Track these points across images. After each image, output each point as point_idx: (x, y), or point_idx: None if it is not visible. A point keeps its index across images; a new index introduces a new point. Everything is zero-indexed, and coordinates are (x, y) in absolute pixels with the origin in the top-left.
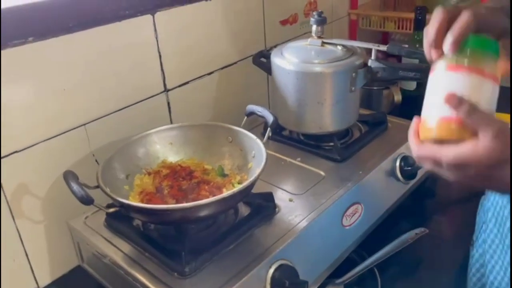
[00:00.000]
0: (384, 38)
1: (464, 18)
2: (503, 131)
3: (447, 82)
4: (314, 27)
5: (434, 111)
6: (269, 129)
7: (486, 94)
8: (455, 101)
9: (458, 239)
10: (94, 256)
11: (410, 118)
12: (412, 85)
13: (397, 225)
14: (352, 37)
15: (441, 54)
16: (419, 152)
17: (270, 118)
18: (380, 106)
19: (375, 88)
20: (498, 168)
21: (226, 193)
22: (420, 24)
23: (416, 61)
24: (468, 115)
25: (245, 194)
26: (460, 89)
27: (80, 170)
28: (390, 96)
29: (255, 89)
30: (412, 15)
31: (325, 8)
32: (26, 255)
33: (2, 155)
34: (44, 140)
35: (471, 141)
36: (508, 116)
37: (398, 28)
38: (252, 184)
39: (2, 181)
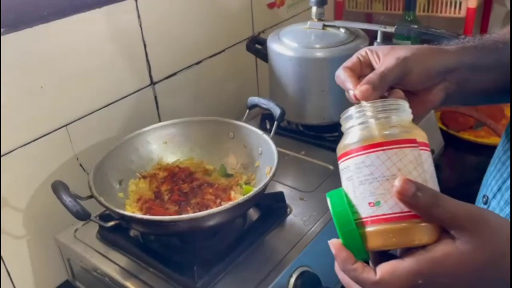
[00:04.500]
0: (368, 20)
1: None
2: (486, 221)
3: (374, 167)
4: (314, 9)
5: (371, 209)
6: (276, 123)
7: (431, 168)
8: (411, 191)
9: None
10: (87, 273)
11: None
12: None
13: None
14: (338, 19)
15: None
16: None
17: (277, 111)
18: None
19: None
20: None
21: (241, 198)
22: (410, 3)
23: (408, 42)
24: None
25: (259, 197)
26: (396, 171)
27: (64, 176)
28: None
29: (244, 78)
30: None
31: None
32: (8, 274)
33: None
34: (22, 146)
35: (444, 243)
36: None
37: (386, 9)
38: (266, 186)
39: None
